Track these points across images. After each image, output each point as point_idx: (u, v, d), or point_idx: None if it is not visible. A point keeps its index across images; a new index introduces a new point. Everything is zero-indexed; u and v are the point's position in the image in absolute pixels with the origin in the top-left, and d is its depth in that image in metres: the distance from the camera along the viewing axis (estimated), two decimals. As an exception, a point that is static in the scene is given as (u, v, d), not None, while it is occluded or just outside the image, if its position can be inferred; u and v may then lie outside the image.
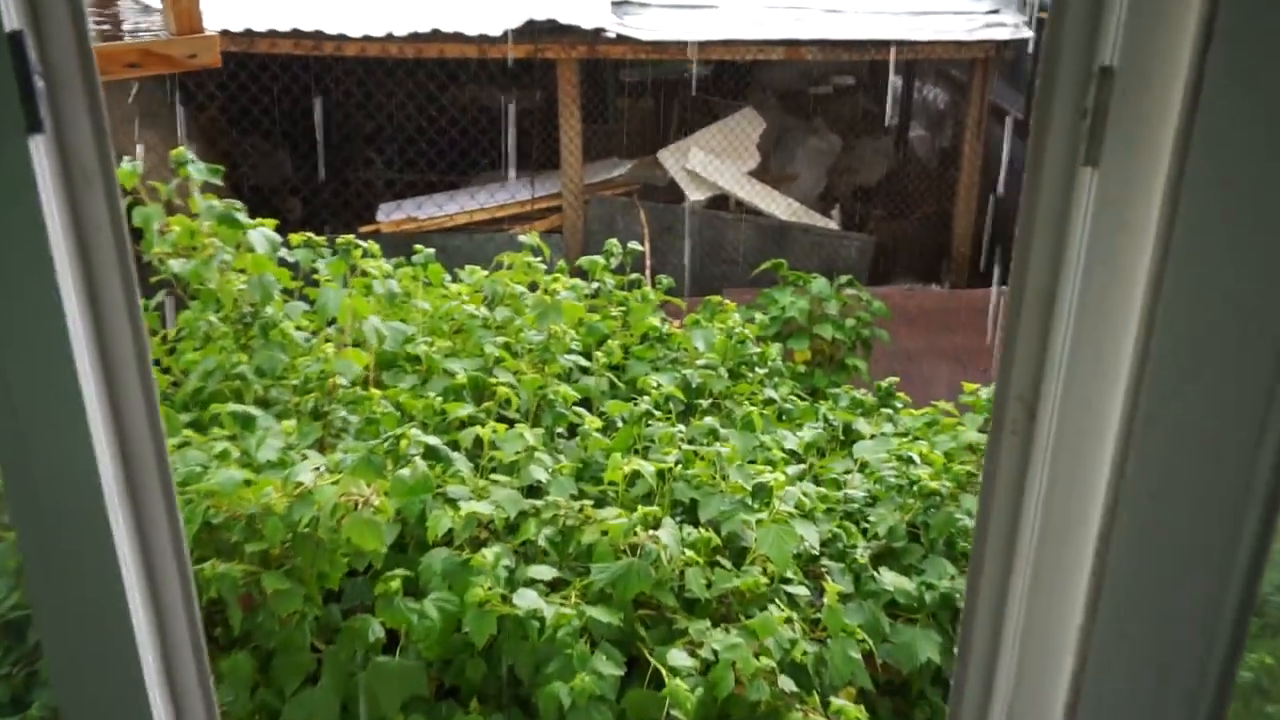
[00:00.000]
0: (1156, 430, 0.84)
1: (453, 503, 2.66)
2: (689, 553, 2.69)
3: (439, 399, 3.15)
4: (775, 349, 4.39)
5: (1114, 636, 0.91)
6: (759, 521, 2.81)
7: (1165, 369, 0.83)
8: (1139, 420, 0.84)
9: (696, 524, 2.90)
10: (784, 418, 4.02)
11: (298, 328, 3.31)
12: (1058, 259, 0.89)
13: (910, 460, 3.31)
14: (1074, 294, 0.88)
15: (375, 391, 3.14)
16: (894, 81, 10.05)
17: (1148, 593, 0.88)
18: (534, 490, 2.92)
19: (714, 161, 7.92)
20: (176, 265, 3.18)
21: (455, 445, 2.93)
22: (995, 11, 8.10)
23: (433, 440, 2.73)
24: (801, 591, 2.82)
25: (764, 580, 2.72)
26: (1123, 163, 0.84)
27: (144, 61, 3.50)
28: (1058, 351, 0.91)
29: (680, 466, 3.03)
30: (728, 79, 8.89)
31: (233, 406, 2.79)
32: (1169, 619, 0.89)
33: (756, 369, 4.16)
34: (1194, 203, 0.78)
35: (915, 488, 3.20)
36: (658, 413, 3.38)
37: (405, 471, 2.50)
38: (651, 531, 2.66)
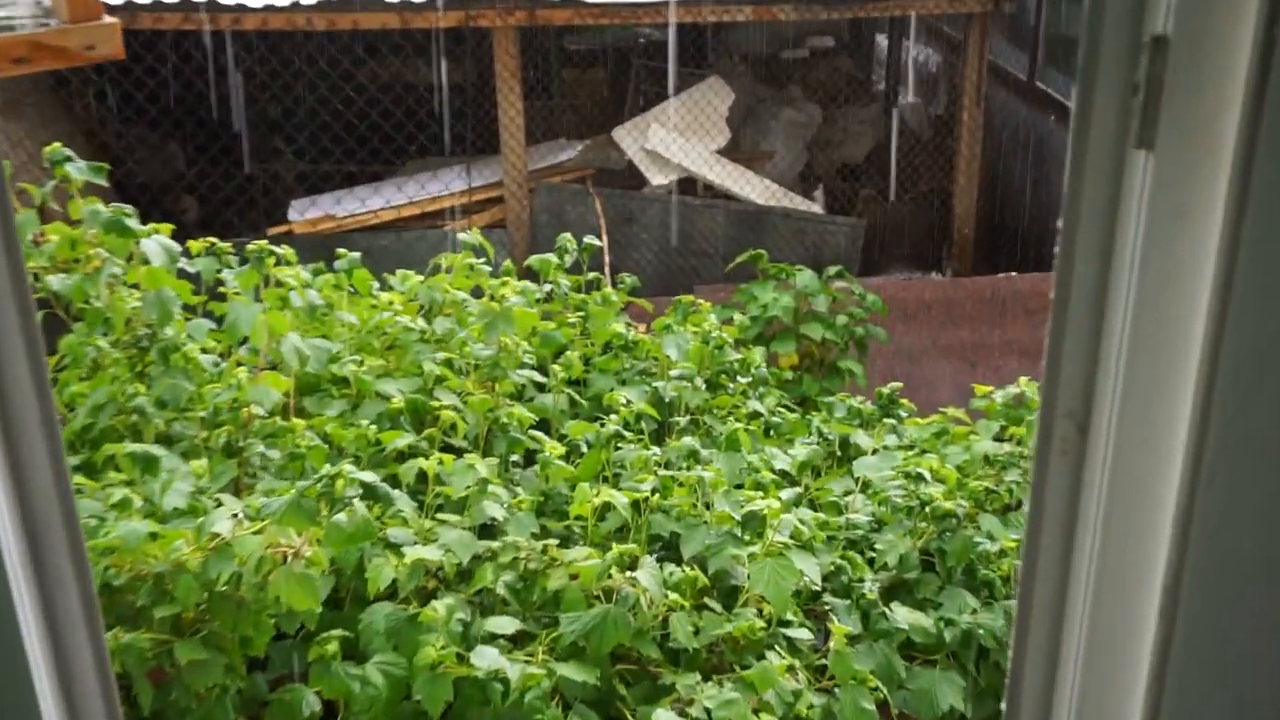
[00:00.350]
0: (1231, 446, 0.85)
1: (395, 548, 2.65)
2: (672, 596, 2.69)
3: (372, 427, 3.14)
4: (758, 354, 4.41)
5: (1188, 694, 0.92)
6: (751, 556, 2.82)
7: (1237, 376, 0.84)
8: (1210, 435, 0.85)
9: (679, 562, 2.90)
10: (772, 433, 4.05)
11: (203, 350, 3.28)
12: (1108, 253, 0.90)
13: (919, 477, 3.33)
14: (1129, 292, 0.89)
15: (298, 421, 3.12)
16: (879, 41, 10.16)
17: (1227, 639, 0.89)
18: (489, 530, 2.91)
19: (677, 140, 7.95)
20: (56, 282, 3.14)
21: (394, 481, 2.92)
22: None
23: (369, 477, 2.72)
24: (803, 635, 2.84)
25: (760, 624, 2.73)
26: (1180, 145, 0.85)
27: (34, 56, 3.43)
28: (1112, 358, 0.92)
29: (657, 495, 3.03)
30: (689, 44, 8.92)
31: (130, 446, 2.76)
32: (1254, 671, 0.89)
33: (738, 378, 4.18)
34: (1264, 188, 0.79)
35: (927, 509, 3.23)
36: (628, 434, 3.38)
37: (341, 516, 2.48)
38: (628, 573, 2.66)
